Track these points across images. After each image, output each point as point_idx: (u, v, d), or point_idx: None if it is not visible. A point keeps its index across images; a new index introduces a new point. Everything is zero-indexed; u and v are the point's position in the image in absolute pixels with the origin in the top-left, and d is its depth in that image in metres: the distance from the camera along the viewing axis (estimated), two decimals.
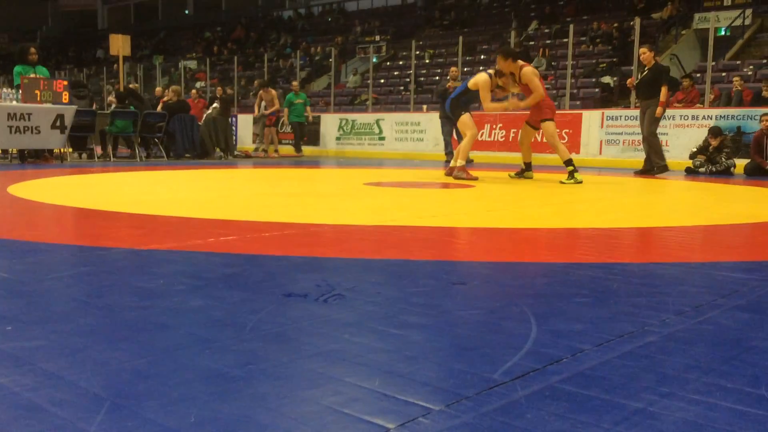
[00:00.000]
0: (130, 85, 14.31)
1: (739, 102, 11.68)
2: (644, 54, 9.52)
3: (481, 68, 11.74)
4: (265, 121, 15.26)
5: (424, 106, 15.87)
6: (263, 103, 15.26)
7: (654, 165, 9.34)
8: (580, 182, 7.36)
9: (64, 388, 1.35)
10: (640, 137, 9.50)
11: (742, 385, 1.43)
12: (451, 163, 8.13)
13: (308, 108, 15.59)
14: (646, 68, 9.43)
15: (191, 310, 1.95)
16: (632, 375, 1.48)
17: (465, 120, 7.86)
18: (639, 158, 9.62)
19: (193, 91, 16.49)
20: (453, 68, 13.14)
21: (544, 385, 1.41)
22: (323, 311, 1.96)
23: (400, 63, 21.10)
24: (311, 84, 21.89)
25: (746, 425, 1.23)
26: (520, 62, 7.78)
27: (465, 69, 17.07)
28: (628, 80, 10.52)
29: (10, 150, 10.71)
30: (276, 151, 15.36)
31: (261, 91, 15.46)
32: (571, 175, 7.42)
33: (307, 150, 16.25)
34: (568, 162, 7.52)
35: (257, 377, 1.42)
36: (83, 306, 2.00)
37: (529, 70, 7.70)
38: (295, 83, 16.08)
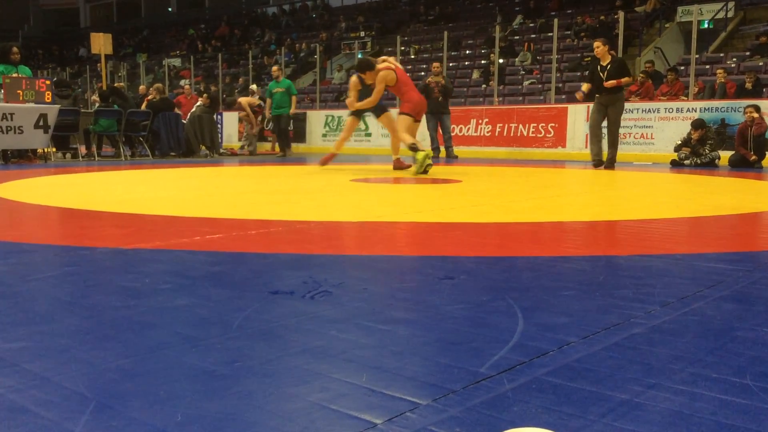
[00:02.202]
0: (116, 84, 14.17)
1: (723, 94, 11.77)
2: (599, 48, 8.96)
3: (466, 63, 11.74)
4: (246, 121, 14.96)
5: None
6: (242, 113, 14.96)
7: (612, 158, 9.21)
8: (429, 165, 7.49)
9: (49, 389, 1.34)
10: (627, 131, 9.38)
11: (727, 375, 1.44)
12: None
13: (293, 98, 13.10)
14: (607, 63, 8.91)
15: (177, 309, 1.94)
16: (618, 366, 1.49)
17: (347, 120, 8.68)
18: (625, 151, 9.63)
19: (187, 86, 16.27)
20: (435, 63, 13.10)
21: (531, 378, 1.41)
22: (310, 308, 1.95)
23: None
24: (297, 81, 21.81)
25: (731, 415, 1.24)
26: (385, 64, 8.17)
27: (450, 64, 17.10)
28: (578, 94, 9.56)
29: None
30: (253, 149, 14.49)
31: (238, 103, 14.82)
32: (414, 159, 7.54)
33: (293, 147, 15.69)
34: (413, 147, 7.65)
35: (244, 375, 1.42)
36: (68, 306, 1.98)
37: (380, 76, 8.05)
38: (275, 68, 13.73)
